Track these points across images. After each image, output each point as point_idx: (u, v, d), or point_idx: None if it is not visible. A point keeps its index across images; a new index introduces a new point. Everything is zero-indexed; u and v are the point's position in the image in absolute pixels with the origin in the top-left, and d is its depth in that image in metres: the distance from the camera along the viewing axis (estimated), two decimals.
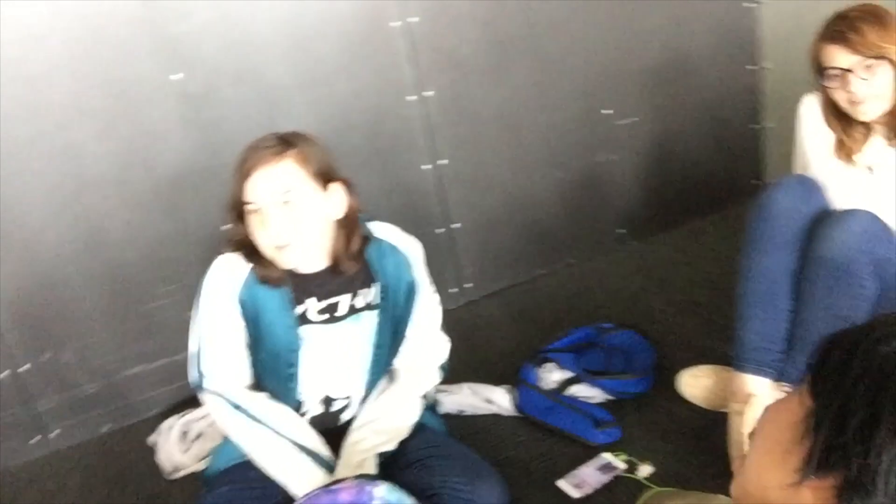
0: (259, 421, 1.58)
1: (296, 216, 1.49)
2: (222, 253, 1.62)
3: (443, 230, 2.66)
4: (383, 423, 1.64)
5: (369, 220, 1.67)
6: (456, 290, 2.73)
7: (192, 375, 1.62)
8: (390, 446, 1.60)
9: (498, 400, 2.11)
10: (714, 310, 2.37)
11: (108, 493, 2.08)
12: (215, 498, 1.55)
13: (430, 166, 2.57)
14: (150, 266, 2.29)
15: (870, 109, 1.72)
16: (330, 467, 1.55)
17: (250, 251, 1.56)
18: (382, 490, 1.39)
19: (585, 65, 2.71)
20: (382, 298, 1.64)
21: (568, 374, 2.12)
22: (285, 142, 1.52)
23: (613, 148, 2.84)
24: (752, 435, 0.73)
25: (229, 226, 1.90)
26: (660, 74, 2.84)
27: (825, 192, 1.78)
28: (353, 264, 1.59)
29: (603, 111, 2.79)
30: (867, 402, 0.62)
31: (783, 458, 0.66)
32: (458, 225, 2.67)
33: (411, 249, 1.69)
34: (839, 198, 1.77)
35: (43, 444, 2.27)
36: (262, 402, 1.61)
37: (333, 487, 1.41)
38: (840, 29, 1.69)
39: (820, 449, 0.64)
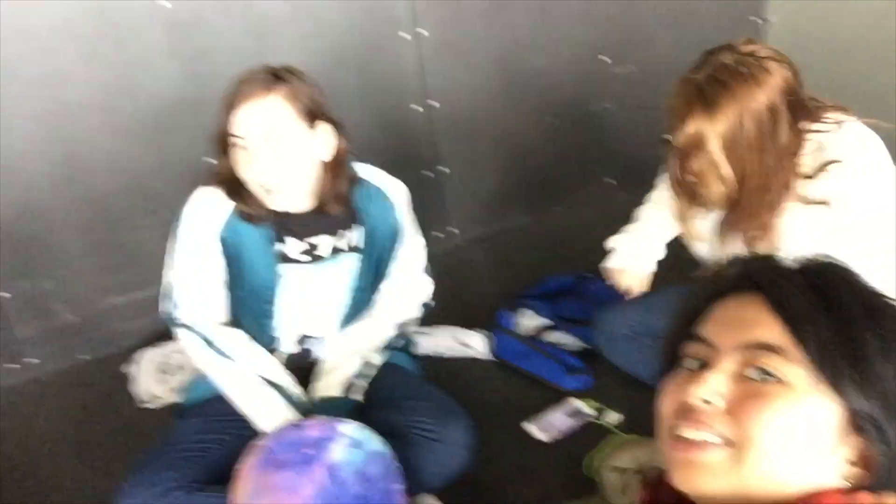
0: (229, 357, 1.59)
1: (282, 155, 1.46)
2: (204, 185, 1.60)
3: (431, 173, 2.64)
4: (350, 345, 1.66)
5: (356, 161, 1.65)
6: (441, 234, 2.72)
7: (165, 307, 1.62)
8: (355, 365, 1.62)
9: (474, 344, 2.13)
10: (695, 266, 2.37)
11: (83, 420, 2.10)
12: (187, 429, 1.58)
13: (420, 107, 2.53)
14: (133, 196, 2.27)
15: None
16: (299, 405, 1.57)
17: (233, 186, 1.54)
18: (350, 428, 1.41)
19: (585, 10, 2.64)
20: (366, 242, 1.63)
21: (544, 321, 2.14)
22: (275, 76, 1.47)
23: (609, 97, 2.80)
24: None
25: (210, 160, 1.88)
26: (662, 23, 2.77)
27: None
28: (339, 206, 1.58)
29: (600, 58, 2.74)
30: None
31: (821, 461, 0.65)
32: (446, 168, 2.65)
33: (397, 193, 1.67)
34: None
35: (21, 371, 2.28)
36: (233, 339, 1.61)
37: (302, 423, 1.43)
38: (696, 111, 1.35)
39: None
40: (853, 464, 0.65)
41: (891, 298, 0.69)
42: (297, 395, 1.59)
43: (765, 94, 1.32)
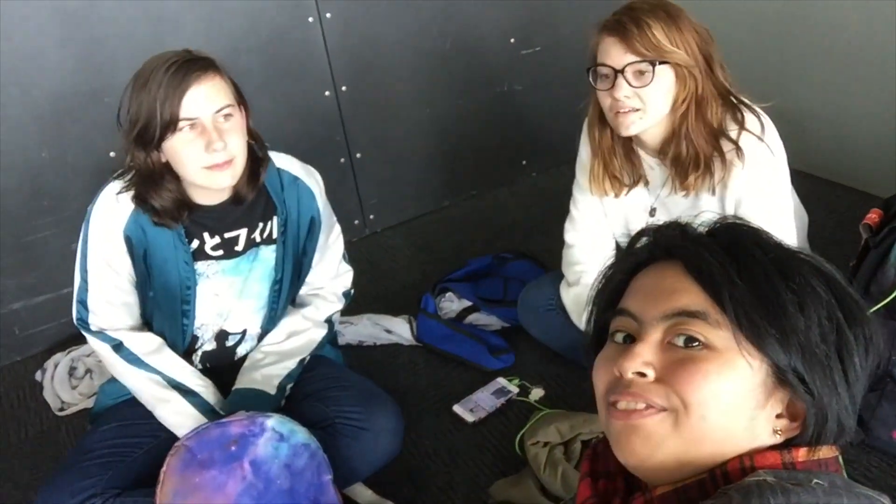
0: (142, 362, 1.52)
1: (232, 132, 1.39)
2: (108, 183, 1.50)
3: (345, 160, 2.61)
4: (284, 345, 1.62)
5: (270, 150, 1.60)
6: (359, 221, 2.70)
7: (76, 313, 1.54)
8: (291, 364, 1.59)
9: (398, 330, 2.12)
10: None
11: None
12: (102, 434, 1.51)
13: (331, 93, 2.50)
14: (30, 195, 2.15)
15: (632, 125, 1.47)
16: (212, 411, 1.52)
17: (146, 187, 1.42)
18: (274, 421, 1.38)
19: None
20: (282, 232, 1.58)
21: (466, 304, 2.15)
22: (202, 57, 1.38)
23: (516, 78, 2.83)
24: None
25: (114, 154, 1.78)
26: (563, 5, 2.81)
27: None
28: (252, 192, 1.50)
29: (509, 40, 2.76)
30: (830, 358, 0.67)
31: (752, 421, 0.67)
32: (360, 155, 2.63)
33: (313, 181, 1.62)
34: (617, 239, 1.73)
35: None
36: (145, 344, 1.54)
37: (224, 420, 1.40)
38: (621, 19, 1.43)
39: (834, 415, 0.67)
40: (781, 416, 0.68)
41: (800, 251, 0.71)
42: (212, 403, 1.53)
43: (696, 32, 1.44)
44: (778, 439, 0.67)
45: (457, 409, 1.87)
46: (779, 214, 1.54)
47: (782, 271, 0.67)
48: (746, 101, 1.51)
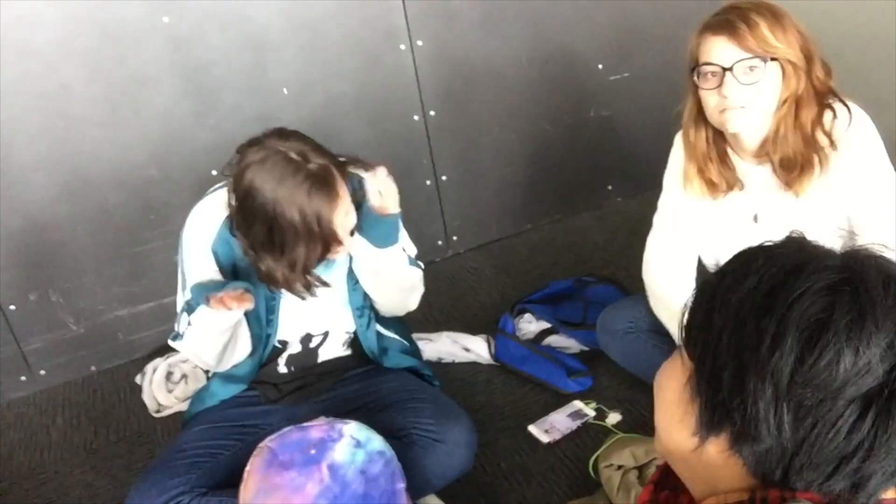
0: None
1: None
2: (196, 205, 1.58)
3: (431, 182, 2.67)
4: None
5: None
6: (442, 242, 2.75)
7: (178, 327, 1.58)
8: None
9: (476, 348, 2.15)
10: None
11: (94, 430, 2.14)
12: (191, 436, 1.60)
13: (419, 117, 2.57)
14: (138, 210, 2.31)
15: (739, 121, 1.48)
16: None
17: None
18: (352, 428, 1.42)
19: (578, 19, 2.68)
20: (352, 232, 1.59)
21: (545, 325, 2.16)
22: (332, 176, 1.45)
23: (604, 103, 2.83)
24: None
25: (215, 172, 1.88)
26: (653, 32, 2.81)
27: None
28: None
29: (597, 66, 2.77)
30: (733, 354, 0.63)
31: (682, 420, 0.68)
32: (445, 178, 2.68)
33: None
34: (719, 249, 1.67)
35: (30, 383, 2.32)
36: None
37: (304, 425, 1.45)
38: (729, 18, 1.44)
39: (704, 409, 0.65)
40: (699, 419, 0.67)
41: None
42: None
43: (799, 32, 1.46)
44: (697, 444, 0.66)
45: (532, 429, 1.87)
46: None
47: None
48: (841, 98, 1.50)
